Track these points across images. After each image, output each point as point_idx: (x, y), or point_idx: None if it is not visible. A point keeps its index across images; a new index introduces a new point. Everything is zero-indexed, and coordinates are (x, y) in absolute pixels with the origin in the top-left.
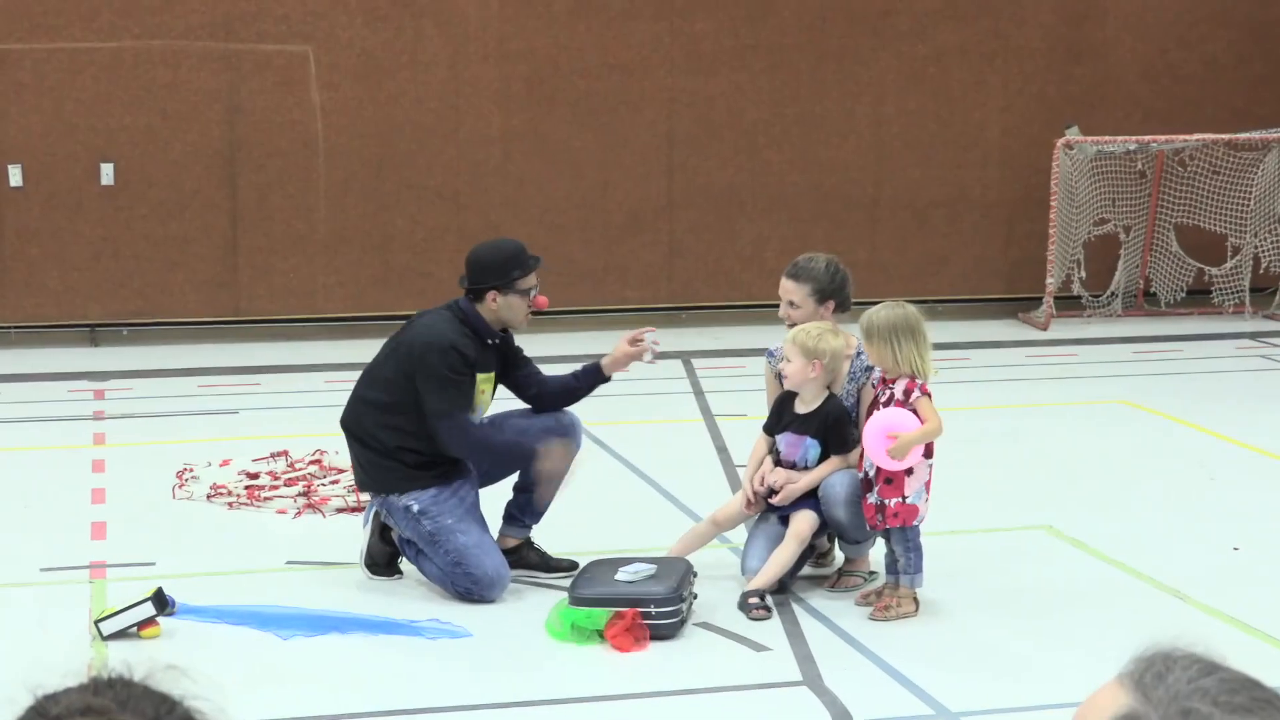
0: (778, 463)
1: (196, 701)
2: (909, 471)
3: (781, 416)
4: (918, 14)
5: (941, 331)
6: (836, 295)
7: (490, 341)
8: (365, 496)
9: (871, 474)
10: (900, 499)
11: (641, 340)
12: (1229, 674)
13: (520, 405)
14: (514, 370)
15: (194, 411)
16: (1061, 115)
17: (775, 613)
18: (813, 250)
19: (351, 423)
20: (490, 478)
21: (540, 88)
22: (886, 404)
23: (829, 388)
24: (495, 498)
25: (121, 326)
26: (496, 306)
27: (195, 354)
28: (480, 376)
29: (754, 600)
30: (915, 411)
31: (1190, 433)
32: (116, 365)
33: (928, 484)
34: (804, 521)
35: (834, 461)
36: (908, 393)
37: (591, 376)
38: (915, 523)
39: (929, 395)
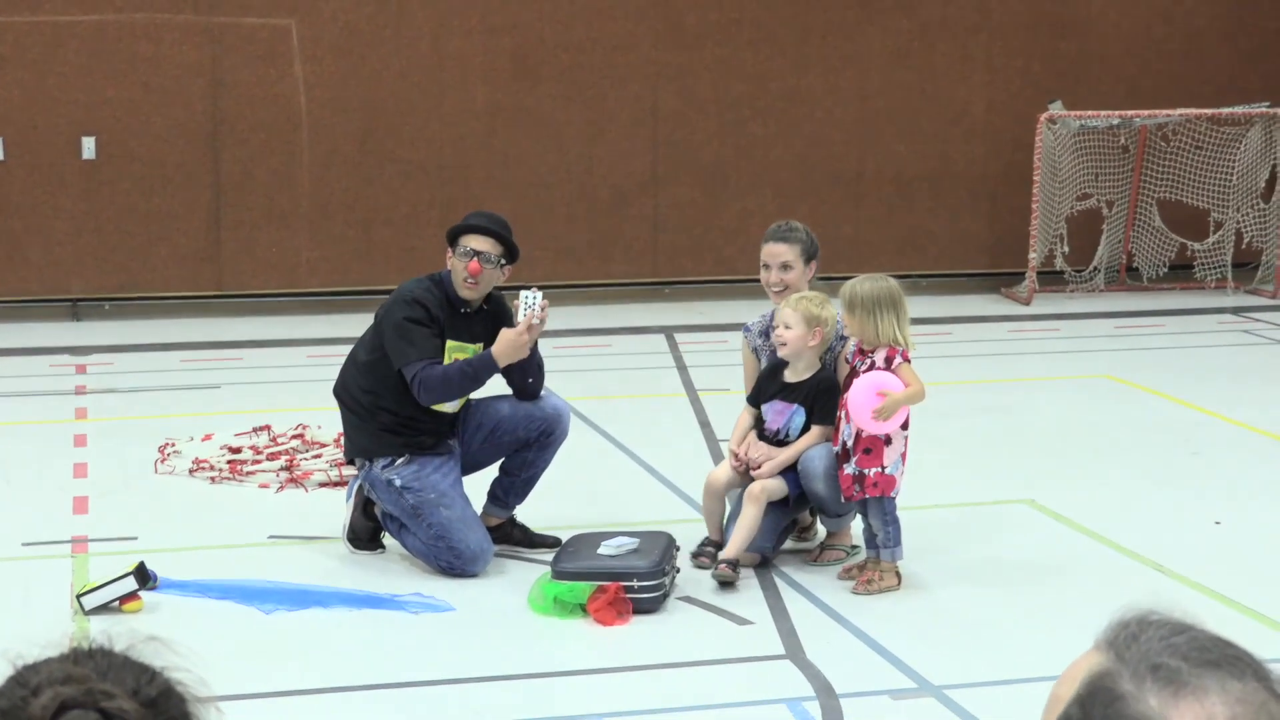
0: (762, 432)
1: (177, 673)
2: (887, 441)
3: (768, 386)
4: None
5: (924, 306)
6: (817, 255)
7: (464, 310)
8: (349, 471)
9: (850, 443)
10: (879, 469)
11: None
12: (1200, 633)
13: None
14: None
15: (176, 386)
16: (1045, 90)
17: (758, 584)
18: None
19: (339, 388)
20: (476, 465)
21: (525, 62)
22: (867, 372)
23: (821, 357)
24: (481, 478)
25: (103, 301)
26: (449, 266)
27: (177, 328)
28: (451, 343)
29: (722, 565)
30: (898, 377)
31: (1172, 407)
32: (98, 340)
33: (903, 456)
34: (757, 485)
35: (814, 434)
36: (889, 360)
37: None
38: (892, 494)
39: (909, 361)
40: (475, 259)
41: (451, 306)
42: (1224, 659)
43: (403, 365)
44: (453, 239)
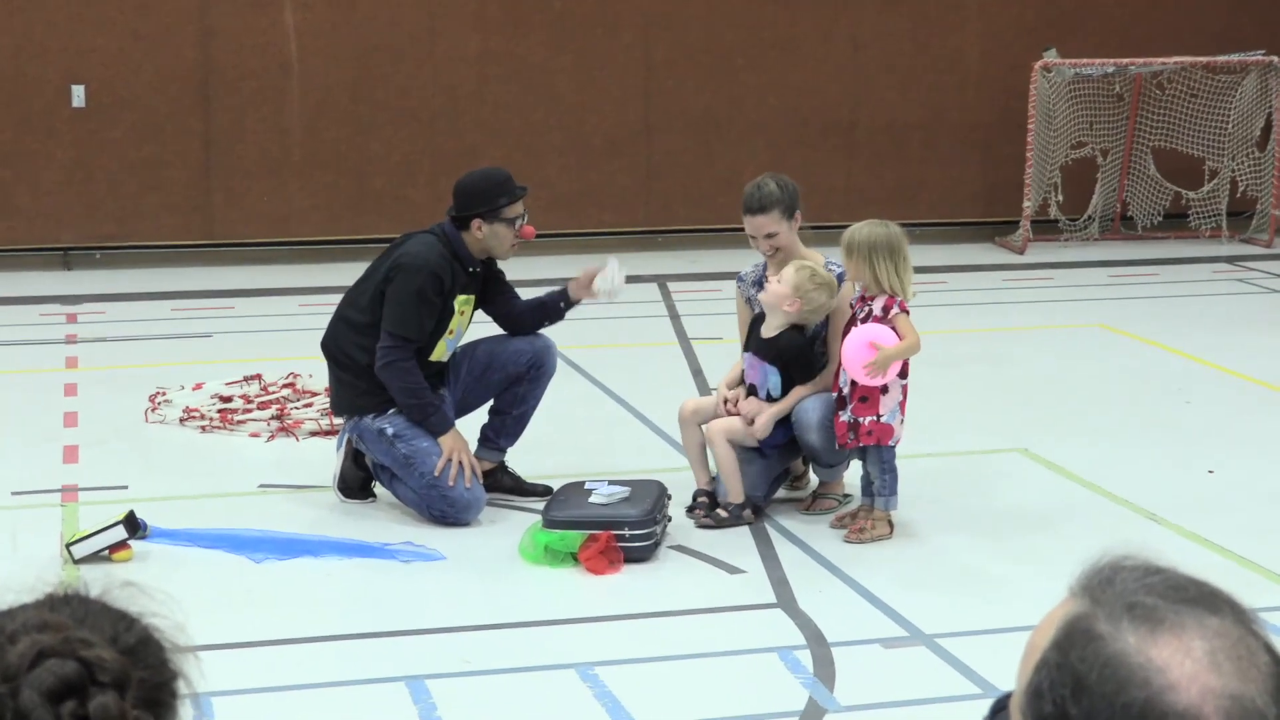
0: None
1: (154, 619)
2: (884, 390)
3: (752, 334)
4: None
5: (918, 255)
6: (798, 203)
7: (471, 269)
8: (339, 420)
9: (846, 391)
10: (874, 417)
11: (596, 273)
12: (1174, 573)
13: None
14: (494, 295)
15: (167, 335)
16: (1040, 38)
17: (749, 533)
18: (774, 171)
19: (329, 342)
20: (467, 407)
21: (516, 9)
22: (864, 321)
23: (796, 326)
24: (472, 421)
25: (95, 250)
26: (482, 235)
27: (169, 278)
28: (459, 299)
29: (718, 510)
30: (894, 329)
31: (1166, 356)
32: (89, 289)
33: (902, 405)
34: (714, 424)
35: (805, 387)
36: (886, 309)
37: (558, 298)
38: (890, 443)
39: (908, 312)
40: (528, 224)
41: (461, 266)
42: (1200, 596)
43: (391, 330)
44: (491, 205)
